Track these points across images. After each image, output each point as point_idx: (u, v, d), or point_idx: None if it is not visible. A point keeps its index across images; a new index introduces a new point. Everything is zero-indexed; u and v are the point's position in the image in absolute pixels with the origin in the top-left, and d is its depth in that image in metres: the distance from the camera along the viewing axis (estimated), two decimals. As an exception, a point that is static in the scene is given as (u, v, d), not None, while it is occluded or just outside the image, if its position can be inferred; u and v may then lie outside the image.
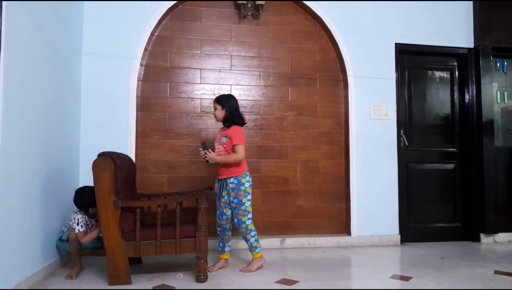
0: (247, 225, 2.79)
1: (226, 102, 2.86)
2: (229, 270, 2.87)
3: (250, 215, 2.80)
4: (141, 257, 2.93)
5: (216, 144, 2.89)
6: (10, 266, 2.16)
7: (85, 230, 2.70)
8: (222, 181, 2.83)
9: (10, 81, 2.15)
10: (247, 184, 2.79)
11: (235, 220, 2.81)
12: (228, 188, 2.79)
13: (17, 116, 2.24)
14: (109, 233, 2.43)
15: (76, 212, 2.74)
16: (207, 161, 2.79)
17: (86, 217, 2.76)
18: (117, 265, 2.45)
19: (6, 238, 2.12)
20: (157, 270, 2.80)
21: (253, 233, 2.82)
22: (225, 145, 2.79)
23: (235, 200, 2.77)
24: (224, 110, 2.84)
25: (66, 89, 3.08)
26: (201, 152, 2.80)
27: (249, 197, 2.80)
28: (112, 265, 2.45)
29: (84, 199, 2.75)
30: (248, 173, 2.83)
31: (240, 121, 2.87)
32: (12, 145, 2.18)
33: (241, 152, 2.74)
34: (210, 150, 2.78)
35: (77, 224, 2.66)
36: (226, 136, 2.79)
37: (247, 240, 2.84)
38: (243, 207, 2.77)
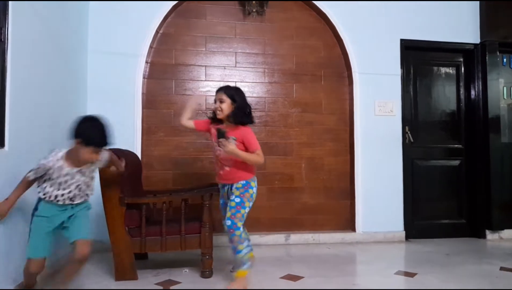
0: (241, 233, 2.36)
1: (238, 96, 2.41)
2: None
3: (243, 223, 2.39)
4: (147, 253, 2.95)
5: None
6: (12, 265, 2.17)
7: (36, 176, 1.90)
8: (228, 187, 2.45)
9: (17, 79, 2.17)
10: (254, 189, 2.43)
11: (228, 222, 2.35)
12: (232, 190, 2.41)
13: (23, 114, 2.27)
14: (115, 229, 2.46)
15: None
16: (220, 151, 2.35)
17: (62, 158, 1.94)
18: (123, 261, 2.48)
19: (8, 237, 2.13)
20: (163, 266, 2.82)
21: (246, 244, 2.39)
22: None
23: (237, 199, 2.36)
24: (233, 106, 2.38)
25: (71, 87, 3.10)
26: (218, 141, 2.31)
27: (251, 204, 2.42)
28: (118, 261, 2.48)
29: (79, 124, 1.95)
30: (255, 178, 2.48)
31: (251, 120, 2.45)
32: (19, 142, 2.21)
33: (262, 156, 2.39)
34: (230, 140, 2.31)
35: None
36: (235, 139, 2.34)
37: (237, 252, 2.38)
38: (242, 211, 2.36)
